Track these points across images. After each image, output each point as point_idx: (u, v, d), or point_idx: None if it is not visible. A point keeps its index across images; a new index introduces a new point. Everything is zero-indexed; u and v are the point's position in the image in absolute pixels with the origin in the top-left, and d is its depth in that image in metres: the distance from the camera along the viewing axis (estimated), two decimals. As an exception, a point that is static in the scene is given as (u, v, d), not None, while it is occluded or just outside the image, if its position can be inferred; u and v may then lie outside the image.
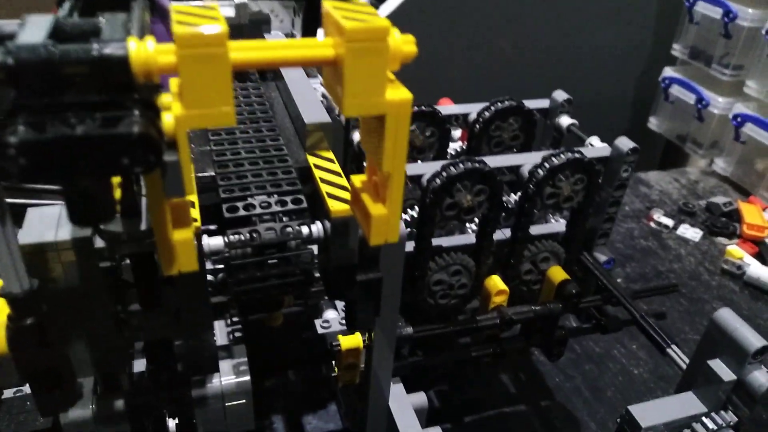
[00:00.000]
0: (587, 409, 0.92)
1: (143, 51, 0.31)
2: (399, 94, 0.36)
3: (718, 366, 0.56)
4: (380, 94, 0.35)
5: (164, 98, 0.35)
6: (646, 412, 0.56)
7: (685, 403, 0.57)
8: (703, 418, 0.56)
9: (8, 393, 0.63)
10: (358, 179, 0.43)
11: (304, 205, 0.51)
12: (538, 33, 1.60)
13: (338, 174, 0.55)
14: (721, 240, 1.30)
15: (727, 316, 0.56)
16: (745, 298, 1.15)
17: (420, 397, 0.70)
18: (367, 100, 0.35)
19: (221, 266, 0.55)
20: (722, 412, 0.56)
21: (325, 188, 0.52)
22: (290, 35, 0.97)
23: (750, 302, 1.14)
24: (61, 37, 0.33)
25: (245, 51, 0.33)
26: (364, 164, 0.70)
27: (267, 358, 0.64)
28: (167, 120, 0.32)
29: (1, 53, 0.30)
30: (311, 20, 0.91)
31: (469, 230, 0.80)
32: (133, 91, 0.31)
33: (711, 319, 0.57)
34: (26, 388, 0.67)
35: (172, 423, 0.60)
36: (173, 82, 0.34)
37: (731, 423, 0.55)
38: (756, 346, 0.53)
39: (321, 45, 0.35)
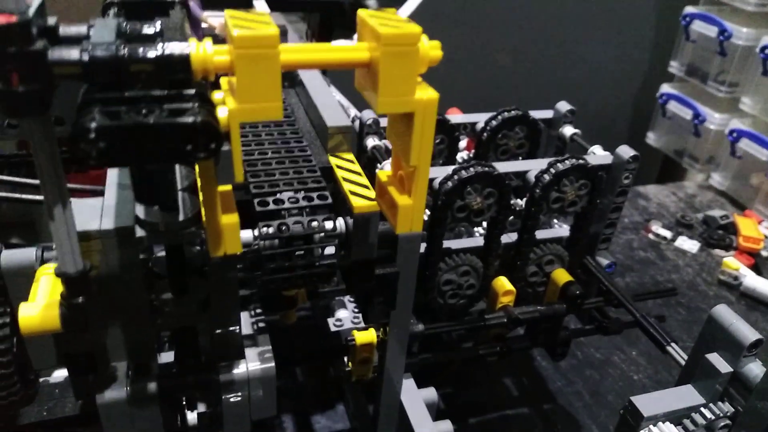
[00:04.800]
0: (588, 412, 0.95)
1: (203, 51, 0.35)
2: (427, 93, 0.40)
3: (715, 359, 0.59)
4: (410, 93, 0.39)
5: (215, 95, 0.38)
6: (647, 403, 0.58)
7: (685, 395, 0.60)
8: (702, 409, 0.59)
9: (37, 382, 0.66)
10: (383, 174, 0.47)
11: (329, 200, 0.54)
12: (542, 49, 1.65)
13: (359, 173, 0.58)
14: (718, 252, 1.34)
15: (723, 312, 0.59)
16: (741, 308, 1.18)
17: (430, 392, 0.73)
18: (398, 99, 0.39)
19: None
20: (719, 403, 0.59)
21: (347, 186, 0.55)
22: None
23: (746, 313, 1.17)
24: (124, 38, 0.36)
25: (294, 53, 0.37)
26: (377, 168, 0.74)
27: (282, 356, 0.67)
28: (221, 114, 0.36)
29: (77, 51, 0.33)
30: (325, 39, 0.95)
31: (477, 234, 0.83)
32: (191, 87, 0.35)
33: (709, 315, 0.60)
34: (51, 378, 0.70)
35: (191, 416, 0.63)
36: (224, 81, 0.38)
37: (728, 413, 0.58)
38: (750, 339, 0.57)
39: (358, 49, 0.39)
